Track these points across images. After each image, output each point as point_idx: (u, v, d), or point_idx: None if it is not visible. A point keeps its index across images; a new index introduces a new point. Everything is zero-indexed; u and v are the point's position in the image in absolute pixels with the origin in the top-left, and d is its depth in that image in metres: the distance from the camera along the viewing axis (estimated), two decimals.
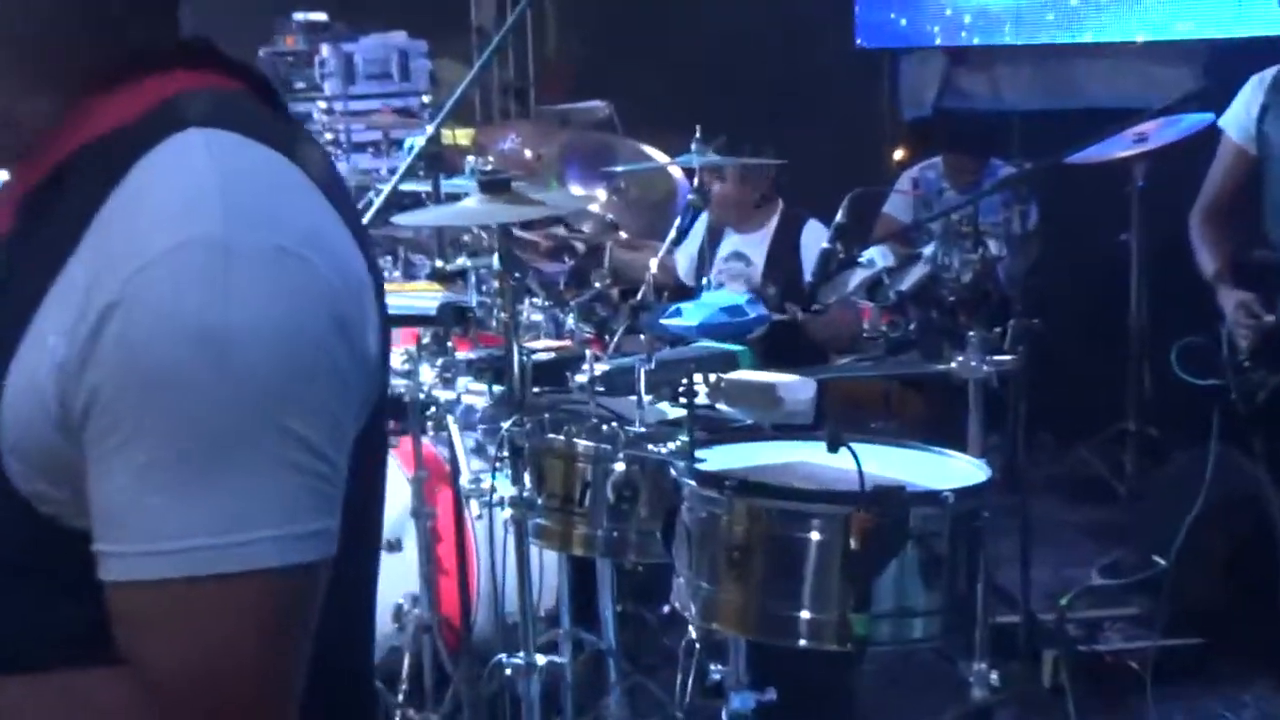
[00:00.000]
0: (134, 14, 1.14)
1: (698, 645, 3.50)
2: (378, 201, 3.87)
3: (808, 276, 4.95)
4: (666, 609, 2.80)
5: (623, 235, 4.60)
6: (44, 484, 1.05)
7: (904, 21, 6.62)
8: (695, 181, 4.26)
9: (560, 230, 4.97)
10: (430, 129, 4.32)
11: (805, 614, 2.42)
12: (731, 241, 5.20)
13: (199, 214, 1.02)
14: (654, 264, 4.63)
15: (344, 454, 1.09)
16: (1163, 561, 4.45)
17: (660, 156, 4.76)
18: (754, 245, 5.15)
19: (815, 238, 5.00)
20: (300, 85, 6.54)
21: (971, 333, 3.72)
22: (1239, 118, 3.67)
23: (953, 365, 3.73)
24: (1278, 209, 3.55)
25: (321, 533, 1.06)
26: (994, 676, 3.79)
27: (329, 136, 6.30)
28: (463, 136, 5.86)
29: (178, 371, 0.99)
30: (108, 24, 1.12)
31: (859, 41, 6.76)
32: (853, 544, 2.37)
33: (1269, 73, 3.64)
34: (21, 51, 1.11)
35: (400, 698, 3.77)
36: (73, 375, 1.01)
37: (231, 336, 1.00)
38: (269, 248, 1.03)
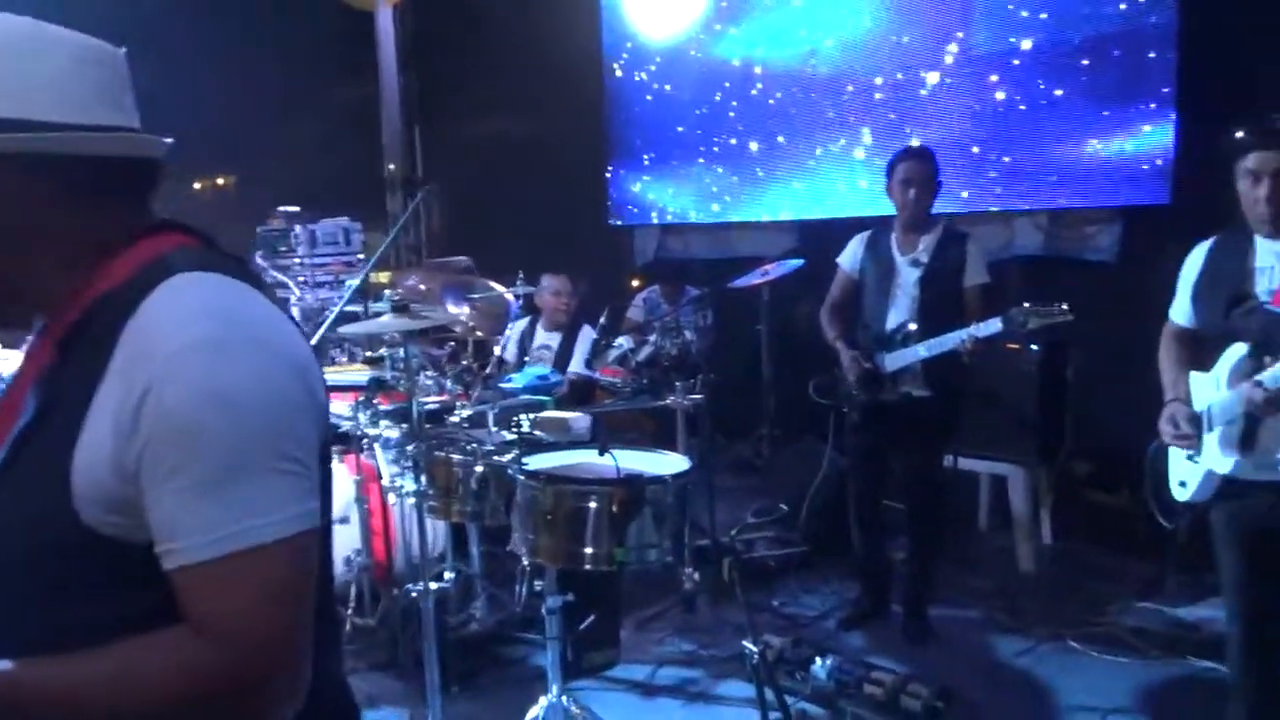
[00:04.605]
0: (114, 214, 1.03)
1: (528, 569, 3.44)
2: (331, 317, 3.72)
3: (580, 356, 4.97)
4: (509, 549, 2.73)
5: (479, 334, 4.49)
6: (112, 515, 0.93)
7: (635, 209, 6.72)
8: (520, 303, 4.19)
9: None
10: (362, 274, 4.18)
11: (588, 549, 2.39)
12: (540, 337, 5.15)
13: (198, 323, 0.94)
14: (497, 350, 4.56)
15: (315, 461, 1.00)
16: (785, 507, 4.56)
17: (499, 287, 4.68)
18: (554, 340, 5.11)
19: (586, 335, 5.01)
20: (284, 248, 6.24)
21: (678, 383, 3.79)
22: (849, 257, 3.71)
23: (668, 401, 3.78)
24: (869, 307, 3.61)
25: (310, 511, 0.97)
26: (695, 575, 3.82)
27: (302, 279, 6.03)
28: (382, 278, 5.69)
29: (199, 424, 0.91)
30: (93, 225, 1.01)
31: (612, 221, 6.84)
32: (614, 509, 2.37)
33: (866, 233, 3.68)
34: (33, 255, 1.00)
35: (350, 610, 3.59)
36: (126, 439, 0.92)
37: (234, 398, 0.92)
38: (249, 339, 0.95)
